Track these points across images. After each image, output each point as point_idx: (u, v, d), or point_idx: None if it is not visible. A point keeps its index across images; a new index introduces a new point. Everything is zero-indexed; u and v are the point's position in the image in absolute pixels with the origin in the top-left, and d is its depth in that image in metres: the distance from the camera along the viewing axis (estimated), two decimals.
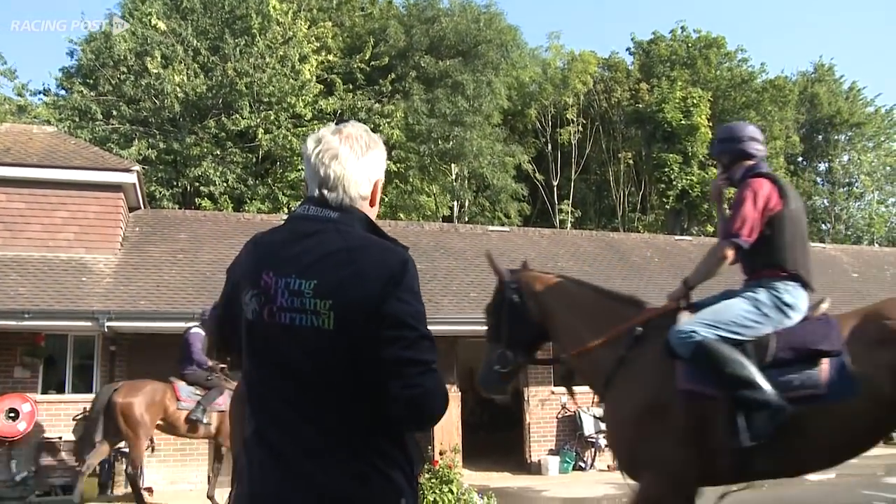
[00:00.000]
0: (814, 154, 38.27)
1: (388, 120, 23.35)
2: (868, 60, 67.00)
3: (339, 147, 2.12)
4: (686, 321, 4.07)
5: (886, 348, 3.77)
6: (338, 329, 1.93)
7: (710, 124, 31.31)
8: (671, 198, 30.67)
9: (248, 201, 21.76)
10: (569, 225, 31.19)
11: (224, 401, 9.98)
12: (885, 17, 66.85)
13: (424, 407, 1.96)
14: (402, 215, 25.06)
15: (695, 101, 30.74)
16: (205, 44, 22.40)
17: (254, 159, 22.72)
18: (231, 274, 2.18)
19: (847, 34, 68.04)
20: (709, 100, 31.66)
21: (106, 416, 10.21)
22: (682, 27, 36.14)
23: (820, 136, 37.87)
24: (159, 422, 10.30)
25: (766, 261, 4.13)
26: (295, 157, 21.95)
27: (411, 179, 26.11)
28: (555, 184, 32.79)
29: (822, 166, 38.83)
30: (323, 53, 24.67)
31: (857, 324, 3.95)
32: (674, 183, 30.39)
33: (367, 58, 24.71)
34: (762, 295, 4.06)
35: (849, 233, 37.27)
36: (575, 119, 33.04)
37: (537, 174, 32.03)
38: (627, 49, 37.42)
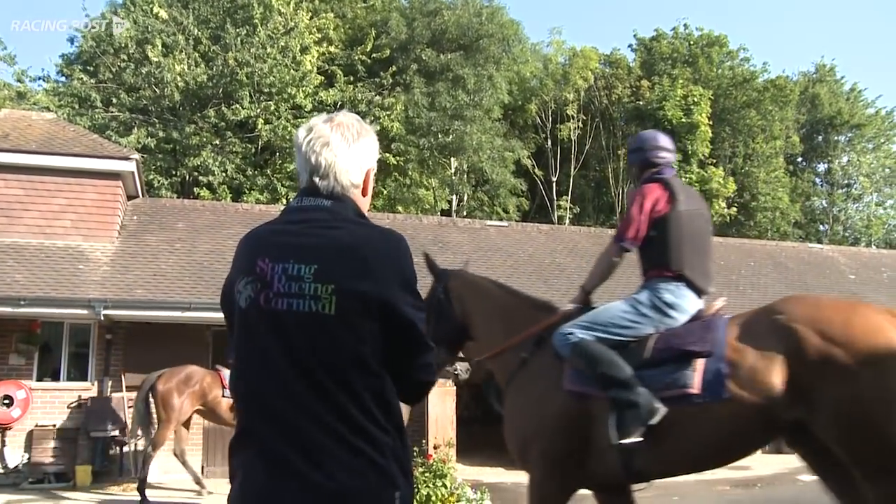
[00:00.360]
0: (813, 154, 38.24)
1: (388, 112, 23.31)
2: (869, 62, 67.02)
3: (330, 135, 2.10)
4: (568, 323, 4.21)
5: (775, 344, 3.73)
6: (338, 314, 1.89)
7: (711, 123, 31.31)
8: None
9: (247, 191, 21.74)
10: (567, 221, 31.17)
11: None
12: (886, 19, 66.85)
13: (433, 384, 2.17)
14: (400, 208, 25.04)
15: (695, 100, 30.70)
16: (206, 33, 22.34)
17: (253, 150, 22.70)
18: (224, 283, 2.14)
19: (849, 35, 68.04)
20: (710, 98, 31.62)
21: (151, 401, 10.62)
22: (684, 25, 36.12)
23: (820, 137, 37.83)
24: (199, 407, 10.50)
25: (654, 262, 4.25)
26: (294, 148, 21.91)
27: (410, 173, 26.09)
28: (554, 179, 32.76)
29: (822, 167, 38.78)
30: (324, 45, 24.61)
31: (747, 321, 3.96)
32: None
33: (368, 50, 24.64)
34: (642, 295, 4.18)
35: (847, 234, 37.28)
36: (575, 115, 32.98)
37: (536, 170, 32.00)
38: (629, 46, 37.37)
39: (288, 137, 21.51)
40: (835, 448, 3.64)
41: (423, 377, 2.09)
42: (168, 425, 10.40)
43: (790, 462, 14.38)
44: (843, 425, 3.55)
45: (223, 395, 10.39)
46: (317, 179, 2.08)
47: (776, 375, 3.67)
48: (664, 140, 4.57)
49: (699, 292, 4.20)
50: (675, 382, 3.85)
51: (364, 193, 2.16)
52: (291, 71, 22.06)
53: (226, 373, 10.41)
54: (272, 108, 21.65)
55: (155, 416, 10.69)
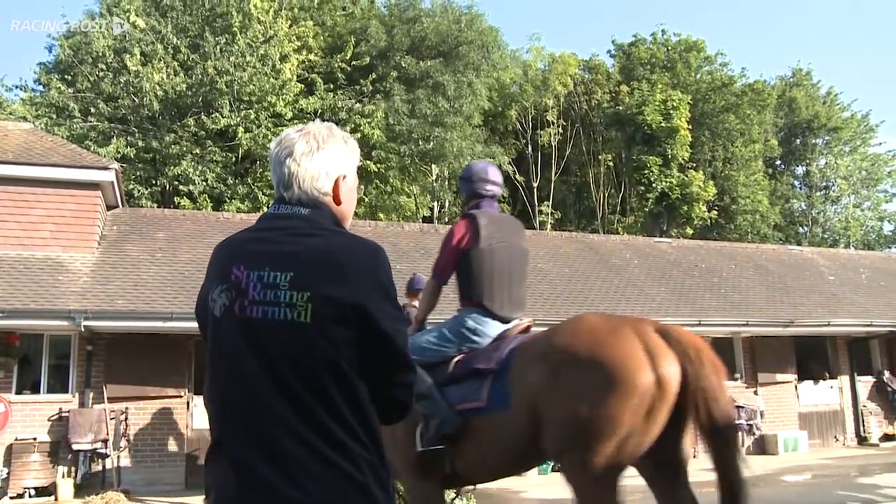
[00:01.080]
0: (792, 158, 38.61)
1: (368, 120, 23.29)
2: (845, 66, 67.77)
3: (294, 144, 2.06)
4: None
5: (541, 365, 4.05)
6: (314, 322, 1.84)
7: (690, 127, 31.53)
8: (650, 200, 30.82)
9: (228, 200, 21.62)
10: (549, 226, 31.25)
11: None
12: (861, 23, 67.66)
13: (409, 407, 2.08)
14: (381, 216, 25.03)
15: (675, 104, 30.91)
16: (184, 41, 22.23)
17: (233, 158, 22.59)
18: (199, 292, 2.08)
19: (825, 40, 68.76)
20: (688, 103, 31.84)
21: None
22: (662, 30, 36.42)
23: (798, 140, 38.21)
24: None
25: (462, 293, 4.79)
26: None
27: (391, 180, 26.08)
28: (535, 185, 32.86)
29: (800, 170, 39.21)
30: (304, 52, 24.55)
31: (528, 343, 4.34)
32: (653, 185, 30.54)
33: (347, 57, 24.63)
34: (449, 323, 4.73)
35: (825, 236, 37.64)
36: (555, 121, 33.11)
37: (517, 175, 32.08)
38: (608, 51, 37.63)
39: (268, 146, 21.30)
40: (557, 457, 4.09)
41: (399, 396, 2.01)
42: None
43: (774, 463, 14.51)
44: (563, 433, 3.93)
45: None
46: (282, 190, 2.05)
47: (539, 395, 4.02)
48: (493, 174, 5.02)
49: (502, 320, 4.66)
50: (469, 396, 4.33)
51: (337, 202, 2.09)
52: (271, 79, 21.99)
53: None
54: (252, 116, 21.56)
55: None
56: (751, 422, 15.73)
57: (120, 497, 11.34)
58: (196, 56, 21.86)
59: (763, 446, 16.02)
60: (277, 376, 1.84)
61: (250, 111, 21.58)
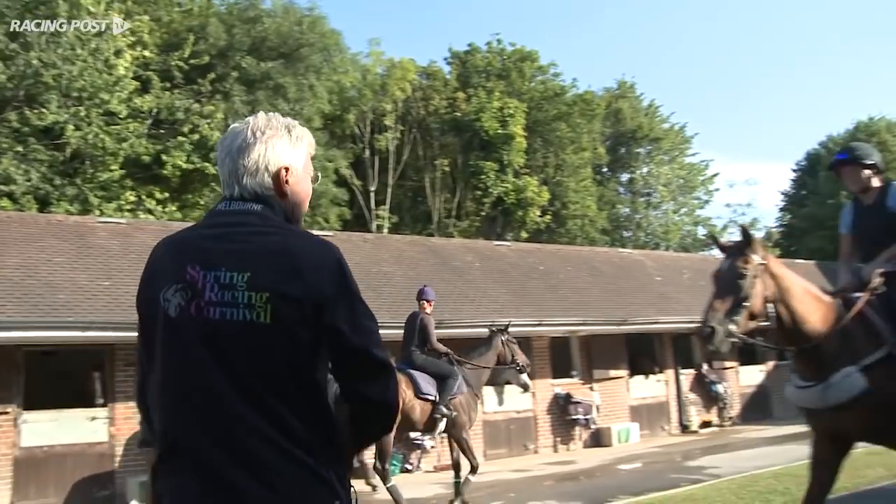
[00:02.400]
0: (618, 165, 40.90)
1: (207, 121, 22.65)
2: (664, 81, 72.30)
3: (234, 139, 2.03)
4: None
5: None
6: (274, 323, 1.81)
7: (525, 134, 32.70)
8: (487, 204, 31.73)
9: (55, 202, 20.37)
10: (385, 230, 31.48)
11: None
12: (679, 41, 72.41)
13: (388, 407, 2.00)
14: None
15: (511, 112, 31.98)
16: (1, 28, 20.72)
17: (61, 157, 21.30)
18: (141, 289, 1.99)
19: (647, 55, 73.10)
20: (524, 111, 33.00)
21: None
22: (497, 39, 37.47)
23: (623, 149, 40.53)
24: None
25: None
26: (107, 157, 20.81)
27: None
28: (372, 189, 33.00)
29: (625, 177, 41.62)
30: (138, 48, 23.57)
31: None
32: (490, 190, 31.48)
33: (185, 56, 23.83)
34: None
35: (647, 239, 40.07)
36: (393, 125, 33.42)
37: (355, 179, 32.13)
38: (445, 59, 38.30)
39: (100, 145, 20.41)
40: None
41: (370, 396, 1.95)
42: None
43: (609, 454, 15.34)
44: None
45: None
46: (227, 187, 2.02)
47: None
48: None
49: None
50: None
51: (281, 196, 2.03)
52: (104, 75, 20.94)
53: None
54: (83, 113, 20.42)
55: None
56: (587, 416, 16.54)
57: None
58: (16, 45, 20.43)
59: (599, 439, 16.87)
60: (238, 377, 1.81)
61: (80, 108, 20.44)
